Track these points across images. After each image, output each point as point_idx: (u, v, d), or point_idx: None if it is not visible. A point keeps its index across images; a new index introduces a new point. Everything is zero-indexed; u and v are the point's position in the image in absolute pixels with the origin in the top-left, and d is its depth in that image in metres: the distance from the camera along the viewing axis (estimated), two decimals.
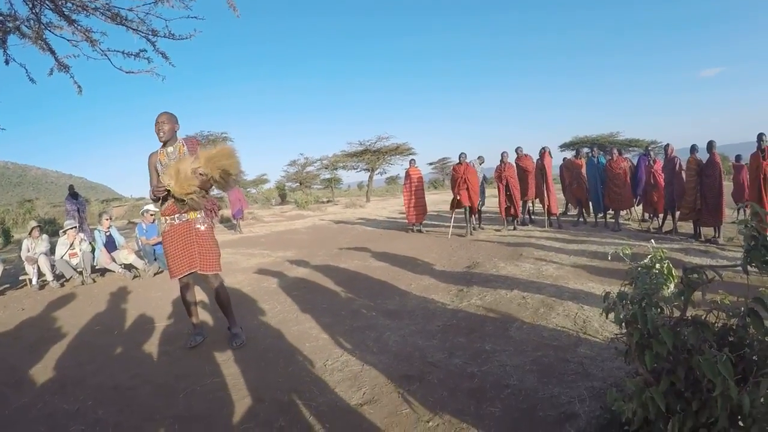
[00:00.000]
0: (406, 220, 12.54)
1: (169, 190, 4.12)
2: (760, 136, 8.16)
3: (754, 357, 1.85)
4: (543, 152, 11.83)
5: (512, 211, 11.36)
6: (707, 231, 9.16)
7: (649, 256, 2.02)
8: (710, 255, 7.57)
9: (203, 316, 5.44)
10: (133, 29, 6.21)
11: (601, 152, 11.78)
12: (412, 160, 12.94)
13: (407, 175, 12.50)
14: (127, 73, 6.54)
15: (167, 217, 4.43)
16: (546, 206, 11.46)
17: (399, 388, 3.43)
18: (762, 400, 1.77)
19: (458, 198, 10.86)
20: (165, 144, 4.44)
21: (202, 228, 4.41)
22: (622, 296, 1.95)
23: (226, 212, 17.08)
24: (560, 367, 3.60)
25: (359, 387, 3.51)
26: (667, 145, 10.23)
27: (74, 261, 8.26)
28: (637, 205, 11.73)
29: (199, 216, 4.40)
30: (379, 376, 3.65)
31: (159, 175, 4.30)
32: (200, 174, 4.12)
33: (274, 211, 24.20)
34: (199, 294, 5.88)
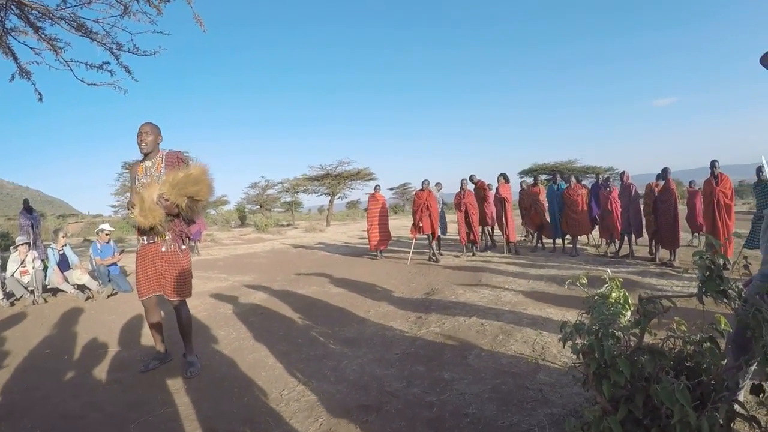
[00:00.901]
0: (369, 246, 12.32)
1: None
2: (713, 163, 8.52)
3: (711, 381, 1.85)
4: (500, 180, 11.97)
5: (471, 237, 11.41)
6: (663, 254, 9.40)
7: (605, 285, 2.02)
8: (666, 277, 7.70)
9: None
10: (98, 41, 6.10)
11: (562, 179, 12.00)
12: (377, 186, 12.77)
13: (372, 199, 12.38)
14: (89, 84, 6.41)
15: (140, 237, 4.33)
16: (505, 233, 11.57)
17: (356, 419, 3.34)
18: (721, 422, 1.76)
19: (420, 225, 10.88)
20: (146, 156, 4.33)
21: (164, 250, 4.26)
22: (579, 327, 1.93)
23: None
24: (519, 394, 3.55)
25: (316, 418, 3.40)
26: (623, 172, 10.64)
27: (25, 279, 7.88)
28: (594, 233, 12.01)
29: (167, 238, 4.27)
30: (337, 407, 3.55)
31: (137, 190, 4.22)
32: (165, 200, 4.00)
33: (233, 233, 23.94)
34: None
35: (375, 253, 12.23)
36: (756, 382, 1.92)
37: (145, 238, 4.29)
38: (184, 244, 4.39)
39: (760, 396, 1.90)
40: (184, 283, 4.34)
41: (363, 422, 3.29)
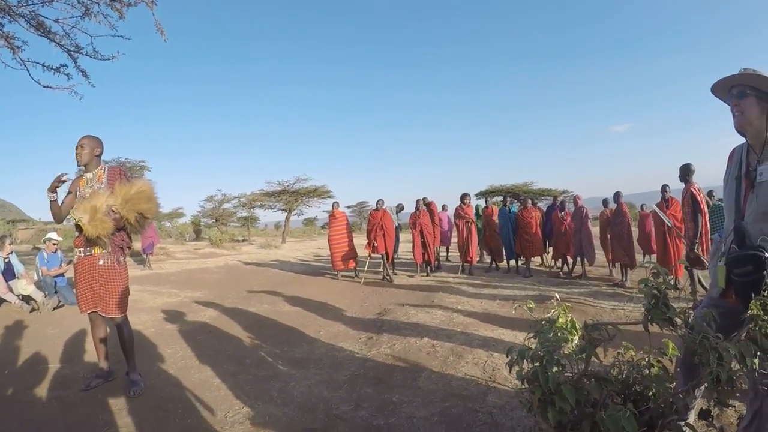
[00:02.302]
0: (333, 266, 11.69)
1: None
2: (663, 188, 8.79)
3: (661, 406, 1.83)
4: (466, 200, 11.90)
5: (426, 257, 11.41)
6: (616, 276, 9.71)
7: (552, 310, 1.99)
8: (618, 299, 7.81)
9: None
10: (56, 42, 5.91)
11: (514, 201, 12.18)
12: (335, 203, 12.40)
13: (331, 218, 11.93)
14: (44, 87, 6.20)
15: (77, 249, 4.18)
16: (469, 254, 11.57)
17: None
18: None
19: (375, 244, 10.84)
20: (86, 168, 4.21)
21: (102, 263, 4.11)
22: (523, 353, 1.89)
23: (137, 246, 16.44)
24: (469, 417, 3.50)
25: None
26: (576, 195, 10.93)
27: None
28: (547, 253, 12.22)
29: (104, 251, 4.12)
30: (283, 430, 3.43)
31: (75, 200, 4.11)
32: (114, 213, 3.88)
33: (187, 247, 23.46)
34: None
35: (336, 273, 11.80)
36: (704, 407, 1.91)
37: (81, 250, 4.16)
38: (122, 258, 4.26)
39: (709, 419, 1.89)
40: (121, 299, 4.20)
41: None
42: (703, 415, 1.91)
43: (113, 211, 3.90)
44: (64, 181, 4.03)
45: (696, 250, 6.41)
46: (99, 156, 4.27)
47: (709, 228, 6.86)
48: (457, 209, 11.91)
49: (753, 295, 1.95)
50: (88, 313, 4.24)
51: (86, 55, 6.13)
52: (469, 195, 11.82)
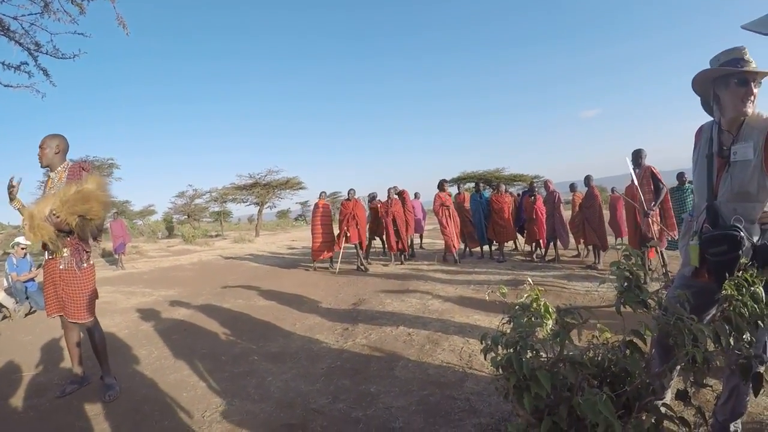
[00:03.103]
0: (312, 256, 11.55)
1: None
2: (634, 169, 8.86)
3: (638, 387, 1.83)
4: (444, 187, 11.82)
5: (400, 245, 11.40)
6: (589, 258, 9.90)
7: (525, 295, 1.97)
8: (591, 280, 7.92)
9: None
10: (15, 40, 5.75)
11: (487, 187, 12.19)
12: (323, 192, 12.40)
13: (316, 207, 11.87)
14: (5, 86, 6.05)
15: (45, 251, 4.10)
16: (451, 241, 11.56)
17: None
18: (647, 429, 1.75)
19: (347, 234, 10.79)
20: (51, 168, 4.10)
21: (62, 267, 4.00)
22: (497, 339, 1.87)
23: (109, 246, 16.10)
24: (447, 405, 3.50)
25: None
26: (547, 180, 11.02)
27: None
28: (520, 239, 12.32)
29: (65, 254, 4.01)
30: (261, 427, 3.40)
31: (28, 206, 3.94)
32: (55, 217, 3.74)
33: (160, 245, 23.17)
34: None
35: (311, 265, 11.76)
36: (681, 388, 1.91)
37: (47, 253, 4.07)
38: (83, 262, 4.11)
39: (686, 399, 1.89)
40: (83, 304, 4.08)
41: None
42: (680, 395, 1.91)
43: (53, 215, 3.74)
44: (15, 186, 3.89)
45: (650, 220, 6.95)
46: (61, 154, 4.11)
47: (671, 205, 7.31)
48: (438, 197, 11.50)
49: (727, 274, 1.95)
50: (60, 317, 4.15)
51: (46, 53, 5.99)
52: (447, 181, 11.73)
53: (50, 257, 4.04)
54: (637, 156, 7.38)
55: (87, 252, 4.16)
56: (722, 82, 2.35)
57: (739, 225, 2.20)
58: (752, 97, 2.27)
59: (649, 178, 7.20)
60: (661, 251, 7.55)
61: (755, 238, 2.23)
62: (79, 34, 5.80)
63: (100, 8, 5.83)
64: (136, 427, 3.52)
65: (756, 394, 1.93)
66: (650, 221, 6.94)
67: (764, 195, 2.23)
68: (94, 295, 4.22)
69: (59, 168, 4.09)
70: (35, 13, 5.49)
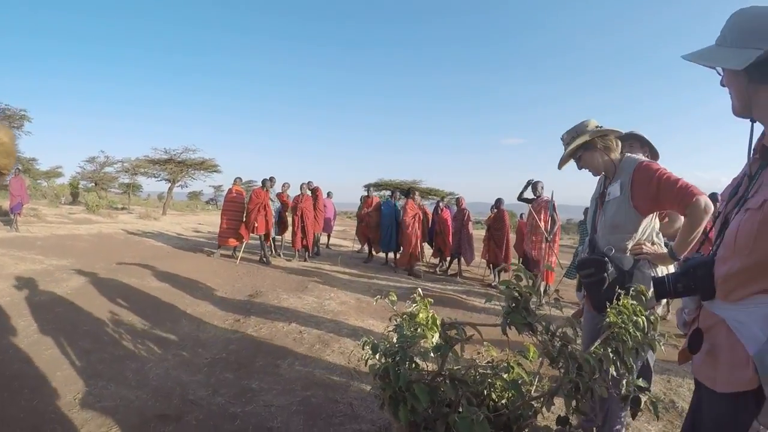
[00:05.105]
0: (219, 241, 11.19)
1: None
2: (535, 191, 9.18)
3: (520, 408, 1.83)
4: (413, 194, 11.66)
5: (304, 242, 11.26)
6: (490, 278, 10.28)
7: (413, 305, 1.93)
8: (488, 298, 8.04)
9: None
10: None
11: (402, 196, 12.17)
12: (238, 178, 11.91)
13: (230, 192, 11.52)
14: None
15: None
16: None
17: (153, 430, 3.04)
18: None
19: (255, 224, 10.55)
20: None
21: None
22: (375, 347, 1.82)
23: (4, 205, 15.00)
24: (329, 408, 3.46)
25: (109, 427, 3.05)
26: (459, 197, 11.22)
27: None
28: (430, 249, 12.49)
29: None
30: (134, 415, 3.21)
31: None
32: None
33: (61, 210, 21.83)
34: None
35: (214, 251, 11.28)
36: (562, 414, 1.93)
37: None
38: None
39: (566, 426, 1.91)
40: None
41: None
42: (561, 421, 1.94)
43: None
44: None
45: (550, 245, 7.65)
46: None
47: (559, 232, 8.03)
48: (409, 204, 11.00)
49: (607, 303, 2.03)
50: None
51: None
52: (415, 191, 11.54)
53: None
54: (535, 187, 8.11)
55: None
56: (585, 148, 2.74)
57: (608, 253, 2.48)
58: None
59: (548, 207, 7.77)
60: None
61: (627, 267, 2.48)
62: None
63: None
64: (3, 404, 3.25)
65: (633, 417, 1.98)
66: (549, 246, 7.32)
67: (632, 226, 2.51)
68: None
69: None
70: None
